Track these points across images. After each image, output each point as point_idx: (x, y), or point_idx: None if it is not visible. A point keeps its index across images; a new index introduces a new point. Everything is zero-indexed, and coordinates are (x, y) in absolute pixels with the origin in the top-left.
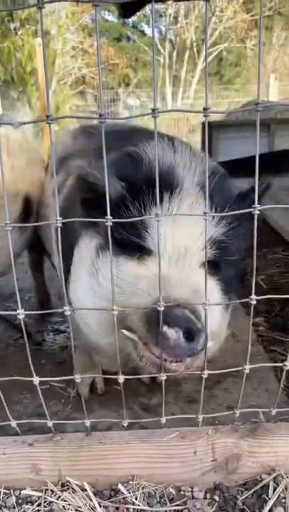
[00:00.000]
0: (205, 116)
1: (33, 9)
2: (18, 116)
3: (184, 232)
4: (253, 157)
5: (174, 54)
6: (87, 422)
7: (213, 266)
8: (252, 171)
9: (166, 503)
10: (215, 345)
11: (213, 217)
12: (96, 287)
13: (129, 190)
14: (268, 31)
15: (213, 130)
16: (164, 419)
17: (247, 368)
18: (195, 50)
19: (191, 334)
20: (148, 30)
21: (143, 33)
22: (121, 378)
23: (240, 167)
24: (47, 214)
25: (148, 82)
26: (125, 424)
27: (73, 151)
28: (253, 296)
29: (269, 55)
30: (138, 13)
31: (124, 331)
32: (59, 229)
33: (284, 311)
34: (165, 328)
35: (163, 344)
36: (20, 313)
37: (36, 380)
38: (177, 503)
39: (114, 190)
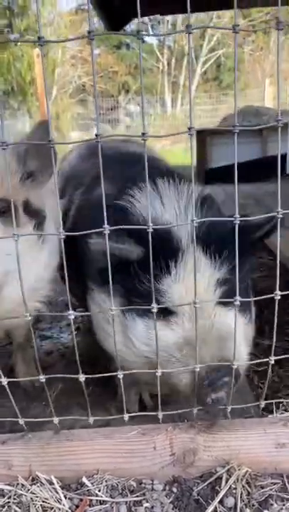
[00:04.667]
0: (190, 135)
1: (32, 20)
2: (18, 125)
3: (192, 288)
4: (246, 163)
5: (173, 60)
6: (56, 420)
7: (229, 298)
8: (245, 176)
9: (127, 495)
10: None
11: (215, 261)
12: (130, 345)
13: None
14: (265, 36)
15: (206, 137)
16: (126, 417)
17: (272, 359)
18: (193, 56)
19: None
20: (147, 38)
21: (142, 41)
22: (120, 374)
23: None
24: None
25: (148, 89)
26: (91, 422)
27: (77, 174)
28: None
29: (267, 60)
30: (125, 27)
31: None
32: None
33: (262, 315)
34: (213, 396)
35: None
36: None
37: (4, 380)
38: (137, 494)
39: (136, 255)
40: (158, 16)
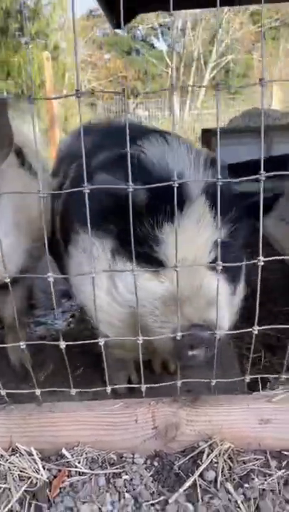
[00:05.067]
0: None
1: (43, 24)
2: (27, 128)
3: (192, 243)
4: (252, 161)
5: (182, 66)
6: (38, 392)
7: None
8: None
9: (106, 468)
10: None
11: (217, 222)
12: (114, 292)
13: (149, 201)
14: (274, 41)
15: (212, 137)
16: (109, 389)
17: (256, 329)
18: (202, 61)
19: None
20: (157, 44)
21: (152, 47)
22: (101, 341)
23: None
24: None
25: (156, 94)
26: (73, 393)
27: (72, 152)
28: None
29: (275, 66)
30: (130, 23)
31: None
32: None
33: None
34: (190, 353)
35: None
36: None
37: None
38: (117, 467)
39: (139, 198)
40: (168, 22)
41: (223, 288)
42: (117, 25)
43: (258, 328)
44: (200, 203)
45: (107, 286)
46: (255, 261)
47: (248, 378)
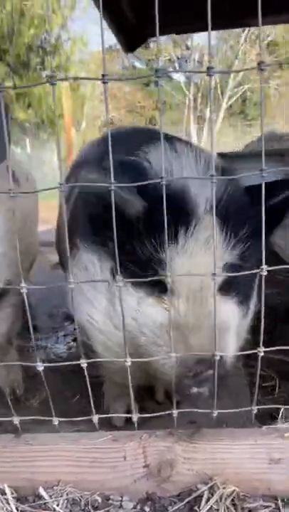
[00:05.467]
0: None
1: (64, 58)
2: (46, 155)
3: (199, 266)
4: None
5: (199, 96)
6: (16, 420)
7: (229, 287)
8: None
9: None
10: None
11: (229, 241)
12: (112, 315)
13: (148, 213)
14: None
15: (228, 161)
16: (95, 418)
17: (261, 350)
18: (219, 91)
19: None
20: (175, 76)
21: (170, 78)
22: (84, 363)
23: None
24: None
25: (173, 123)
26: (55, 423)
27: (86, 158)
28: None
29: None
30: (141, 46)
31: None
32: None
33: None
34: (194, 390)
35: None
36: None
37: None
38: (102, 511)
39: (134, 209)
40: (186, 55)
41: (233, 315)
42: (129, 49)
43: (263, 349)
44: (208, 221)
45: (105, 308)
46: (258, 270)
47: (255, 409)
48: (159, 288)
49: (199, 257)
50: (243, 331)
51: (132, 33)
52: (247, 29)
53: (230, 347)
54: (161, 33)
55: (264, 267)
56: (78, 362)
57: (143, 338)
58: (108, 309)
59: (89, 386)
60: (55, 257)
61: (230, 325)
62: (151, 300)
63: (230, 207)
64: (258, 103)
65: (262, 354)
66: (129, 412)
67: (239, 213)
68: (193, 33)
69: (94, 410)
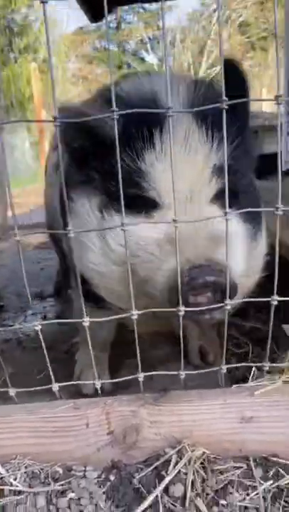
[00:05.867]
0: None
1: (32, 39)
2: (17, 139)
3: (184, 171)
4: None
5: None
6: None
7: (229, 196)
8: None
9: (49, 484)
10: (249, 280)
11: (213, 140)
12: (108, 251)
13: (124, 131)
14: (263, 52)
15: None
16: (56, 386)
17: (275, 299)
18: (192, 72)
19: (219, 290)
20: (147, 58)
21: (143, 60)
22: (134, 315)
23: None
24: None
25: None
26: (13, 394)
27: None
28: None
29: (266, 74)
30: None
31: None
32: None
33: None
34: (192, 300)
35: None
36: None
37: None
38: (62, 482)
39: (113, 130)
40: (159, 35)
41: (233, 225)
42: (93, 19)
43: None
44: (186, 121)
45: (100, 246)
46: (273, 209)
47: (224, 368)
48: (147, 206)
49: (182, 159)
50: (255, 249)
51: (95, 2)
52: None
53: (233, 258)
54: (124, 3)
55: (280, 206)
56: (81, 320)
57: (138, 260)
58: (103, 248)
59: (47, 358)
60: (28, 240)
61: (229, 234)
62: (140, 221)
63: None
64: None
65: (275, 303)
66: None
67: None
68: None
69: (53, 378)
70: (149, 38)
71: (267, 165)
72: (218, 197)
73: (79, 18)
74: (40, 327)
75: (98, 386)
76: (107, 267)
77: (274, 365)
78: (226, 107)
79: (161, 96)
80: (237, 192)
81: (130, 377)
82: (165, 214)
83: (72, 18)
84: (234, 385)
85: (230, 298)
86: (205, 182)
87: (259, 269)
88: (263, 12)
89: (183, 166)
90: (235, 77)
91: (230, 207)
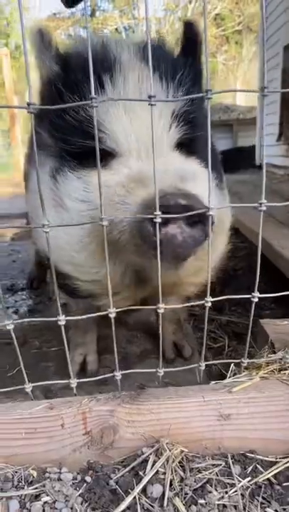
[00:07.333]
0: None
1: (2, 23)
2: None
3: (142, 117)
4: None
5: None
6: None
7: (188, 145)
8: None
9: (23, 488)
10: (219, 235)
11: (168, 88)
12: (65, 216)
13: (64, 72)
14: (237, 46)
15: None
16: (29, 386)
17: (256, 295)
18: None
19: (194, 219)
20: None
21: None
22: (112, 313)
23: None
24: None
25: None
26: None
27: None
28: None
29: (240, 68)
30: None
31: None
32: None
33: (223, 293)
34: (163, 231)
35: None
36: None
37: None
38: (36, 486)
39: (49, 69)
40: (133, 24)
41: (197, 166)
42: (68, 4)
43: (210, 299)
44: (135, 66)
45: (56, 215)
46: (257, 204)
47: (203, 365)
48: (105, 157)
49: (137, 105)
50: (220, 202)
51: None
52: (194, 1)
53: (202, 191)
54: None
55: (263, 201)
56: (56, 319)
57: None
58: (60, 214)
59: (19, 354)
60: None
61: (195, 171)
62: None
63: (157, 50)
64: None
65: (209, 305)
66: (85, 362)
67: (170, 60)
68: None
69: (27, 379)
70: (125, 28)
71: (240, 158)
72: (179, 146)
73: (51, 3)
74: (12, 326)
75: (74, 385)
76: (70, 236)
77: (252, 360)
78: (211, 97)
79: (110, 42)
80: (194, 140)
81: (107, 375)
82: (126, 161)
83: (44, 3)
84: (212, 382)
85: (204, 224)
86: (165, 129)
87: (227, 224)
88: (238, 5)
89: (140, 112)
90: (190, 32)
91: (188, 156)
